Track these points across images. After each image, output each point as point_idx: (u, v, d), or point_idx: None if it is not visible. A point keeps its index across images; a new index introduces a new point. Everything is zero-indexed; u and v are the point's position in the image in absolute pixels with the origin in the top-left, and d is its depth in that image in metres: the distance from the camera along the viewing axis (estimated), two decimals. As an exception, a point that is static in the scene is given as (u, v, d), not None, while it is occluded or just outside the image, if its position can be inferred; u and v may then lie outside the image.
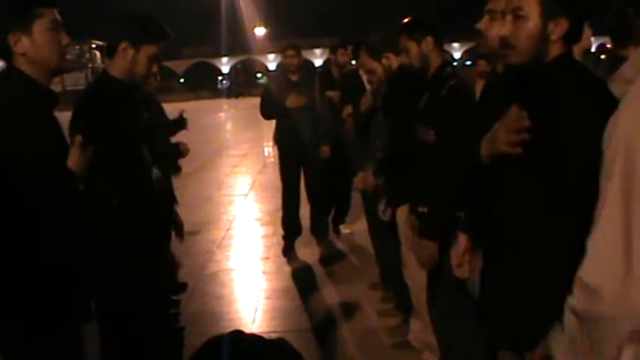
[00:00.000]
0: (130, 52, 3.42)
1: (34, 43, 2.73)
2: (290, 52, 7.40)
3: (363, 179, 5.50)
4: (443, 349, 4.02)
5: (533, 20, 2.28)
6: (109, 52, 3.50)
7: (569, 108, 2.16)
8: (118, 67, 3.46)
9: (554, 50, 2.31)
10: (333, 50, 8.07)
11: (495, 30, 2.82)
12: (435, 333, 4.08)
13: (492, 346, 2.71)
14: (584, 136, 2.05)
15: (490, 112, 2.57)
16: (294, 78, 7.37)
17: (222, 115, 41.41)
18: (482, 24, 2.93)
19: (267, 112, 7.58)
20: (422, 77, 3.94)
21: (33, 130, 2.68)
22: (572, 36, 2.32)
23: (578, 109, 2.14)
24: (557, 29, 2.28)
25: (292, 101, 7.23)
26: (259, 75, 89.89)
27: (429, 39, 3.86)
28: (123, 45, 3.42)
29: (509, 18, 2.33)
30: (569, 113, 2.15)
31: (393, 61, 4.61)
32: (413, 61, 3.92)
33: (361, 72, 5.66)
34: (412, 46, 3.90)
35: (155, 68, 3.56)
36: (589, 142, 1.96)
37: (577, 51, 3.07)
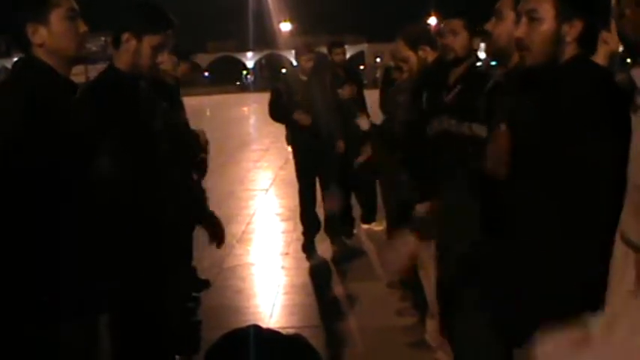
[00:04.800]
0: (133, 42, 3.38)
1: (52, 33, 2.72)
2: (306, 57, 7.30)
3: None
4: (455, 350, 4.00)
5: (547, 22, 2.30)
6: (114, 43, 3.49)
7: (577, 111, 2.15)
8: (122, 59, 3.43)
9: (569, 52, 2.32)
10: (329, 49, 7.85)
11: (499, 30, 2.84)
12: (445, 333, 4.07)
13: (507, 345, 2.70)
14: (590, 141, 2.05)
15: (500, 111, 2.58)
16: (303, 77, 7.33)
17: (245, 109, 41.46)
18: (489, 24, 2.93)
19: (275, 115, 7.56)
20: (451, 69, 3.87)
21: (51, 118, 2.69)
22: (587, 38, 2.33)
23: (586, 112, 2.13)
24: (572, 31, 2.29)
25: (299, 117, 7.14)
26: (284, 70, 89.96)
27: (479, 40, 3.79)
28: (125, 36, 3.40)
29: (524, 20, 2.35)
30: (577, 116, 2.14)
31: (429, 54, 4.56)
32: (457, 48, 3.77)
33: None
34: (463, 33, 3.76)
35: (162, 58, 3.53)
36: (595, 147, 1.96)
37: (603, 53, 3.06)
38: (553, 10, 2.28)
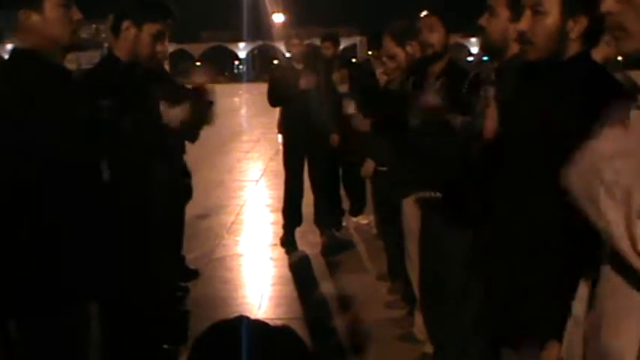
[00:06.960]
0: (133, 31, 3.41)
1: (45, 20, 2.71)
2: (294, 42, 7.36)
3: (367, 167, 5.59)
4: (435, 343, 4.02)
5: (552, 16, 2.26)
6: (113, 31, 3.49)
7: (578, 108, 2.12)
8: (122, 47, 3.46)
9: (572, 48, 2.28)
10: (324, 40, 7.70)
11: (493, 26, 2.84)
12: (425, 326, 4.09)
13: (494, 343, 2.69)
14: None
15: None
16: (298, 66, 7.29)
17: (236, 100, 41.36)
18: (483, 20, 2.93)
19: (274, 99, 7.51)
20: (430, 64, 3.93)
21: (45, 106, 2.67)
22: (591, 35, 2.29)
23: (586, 110, 2.10)
24: (577, 27, 2.25)
25: (304, 82, 7.03)
26: (276, 61, 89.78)
27: (454, 36, 3.89)
28: (125, 24, 3.41)
29: (527, 13, 2.30)
30: (578, 114, 2.11)
31: (417, 49, 4.55)
32: (435, 43, 3.88)
33: (380, 60, 5.59)
34: (440, 30, 3.88)
35: (161, 47, 3.54)
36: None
37: (601, 54, 3.02)
38: (559, 4, 2.24)
